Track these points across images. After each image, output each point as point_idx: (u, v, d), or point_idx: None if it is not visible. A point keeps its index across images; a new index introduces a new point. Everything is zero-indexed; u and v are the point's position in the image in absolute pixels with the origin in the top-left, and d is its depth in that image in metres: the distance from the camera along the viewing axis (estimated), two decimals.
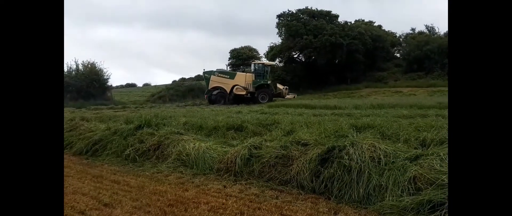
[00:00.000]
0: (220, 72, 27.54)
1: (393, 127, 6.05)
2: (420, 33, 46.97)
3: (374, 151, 4.32)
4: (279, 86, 27.29)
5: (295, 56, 41.96)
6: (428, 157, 3.98)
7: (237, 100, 25.66)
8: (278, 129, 6.87)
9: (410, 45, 42.72)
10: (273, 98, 25.84)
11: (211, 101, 25.95)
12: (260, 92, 25.96)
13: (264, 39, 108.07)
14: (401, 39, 50.50)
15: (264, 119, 8.53)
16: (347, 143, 4.54)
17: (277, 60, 40.35)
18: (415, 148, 4.68)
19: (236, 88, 26.18)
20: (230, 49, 58.51)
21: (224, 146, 6.09)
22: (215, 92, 26.48)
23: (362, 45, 38.13)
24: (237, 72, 28.65)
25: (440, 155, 3.91)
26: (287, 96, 26.17)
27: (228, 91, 26.57)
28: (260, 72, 26.86)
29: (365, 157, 4.24)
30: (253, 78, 26.46)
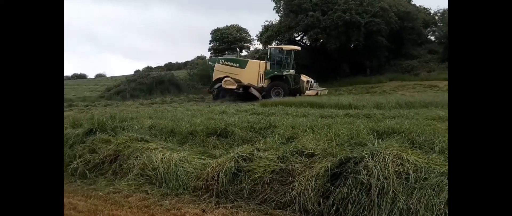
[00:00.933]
0: (227, 60, 27.74)
1: (425, 133, 6.10)
2: None
3: (401, 164, 4.35)
4: (303, 78, 26.33)
5: (297, 38, 42.11)
6: None
7: (250, 95, 25.79)
8: (274, 135, 6.89)
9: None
10: (297, 94, 24.51)
11: (214, 97, 26.54)
12: (274, 86, 25.67)
13: (256, 16, 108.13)
14: (436, 17, 50.91)
15: (257, 122, 8.53)
16: (366, 154, 4.57)
17: (274, 43, 40.39)
18: None
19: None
20: (211, 29, 58.67)
21: (203, 158, 6.08)
22: (217, 85, 26.81)
23: (386, 24, 38.35)
24: (249, 60, 28.52)
25: None
26: (308, 93, 25.01)
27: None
28: (276, 60, 26.65)
29: (389, 172, 4.27)
30: (266, 67, 26.27)
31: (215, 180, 5.25)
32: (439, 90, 27.97)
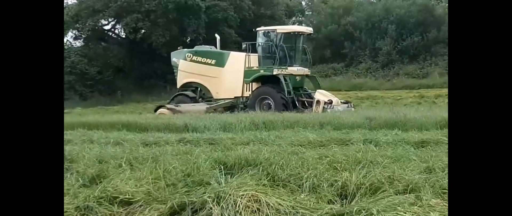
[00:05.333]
0: (198, 53, 24.96)
1: (291, 165, 6.37)
2: None
3: (258, 210, 4.48)
4: (320, 96, 23.05)
5: (106, 27, 41.70)
6: None
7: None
8: (71, 174, 6.67)
9: (320, 15, 46.19)
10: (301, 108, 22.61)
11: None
12: (262, 94, 23.52)
13: None
14: (303, 3, 54.24)
15: None
16: (209, 197, 4.63)
17: (70, 35, 39.48)
18: (330, 202, 5.01)
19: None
20: None
21: None
22: (179, 97, 24.31)
23: (235, 11, 39.78)
24: (231, 52, 25.70)
25: (372, 214, 4.24)
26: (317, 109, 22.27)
27: (212, 91, 24.26)
28: (270, 50, 24.55)
29: None
30: (249, 64, 24.09)
31: None
32: None
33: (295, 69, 24.22)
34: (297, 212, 4.54)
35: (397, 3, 44.17)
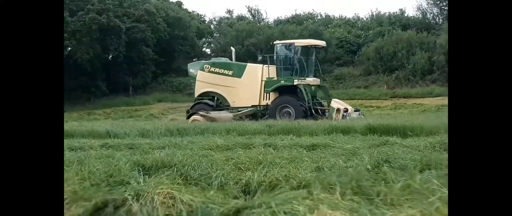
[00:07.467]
0: (215, 65, 23.48)
1: (201, 166, 6.38)
2: (241, 18, 51.69)
3: (173, 205, 4.45)
4: (336, 104, 22.01)
5: None
6: (254, 210, 4.33)
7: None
8: None
9: (226, 37, 46.44)
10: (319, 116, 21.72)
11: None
12: (282, 103, 22.36)
13: None
14: (212, 26, 54.40)
15: None
16: (129, 195, 4.56)
17: None
18: (235, 197, 5.04)
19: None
20: None
21: None
22: (199, 105, 22.64)
23: (152, 32, 39.42)
24: (248, 64, 24.33)
25: (271, 207, 4.30)
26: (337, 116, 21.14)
27: (230, 100, 22.72)
28: (288, 61, 23.37)
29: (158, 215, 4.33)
30: (268, 75, 22.82)
31: None
32: None
33: (311, 80, 23.64)
34: (207, 207, 4.55)
35: (291, 28, 45.79)
